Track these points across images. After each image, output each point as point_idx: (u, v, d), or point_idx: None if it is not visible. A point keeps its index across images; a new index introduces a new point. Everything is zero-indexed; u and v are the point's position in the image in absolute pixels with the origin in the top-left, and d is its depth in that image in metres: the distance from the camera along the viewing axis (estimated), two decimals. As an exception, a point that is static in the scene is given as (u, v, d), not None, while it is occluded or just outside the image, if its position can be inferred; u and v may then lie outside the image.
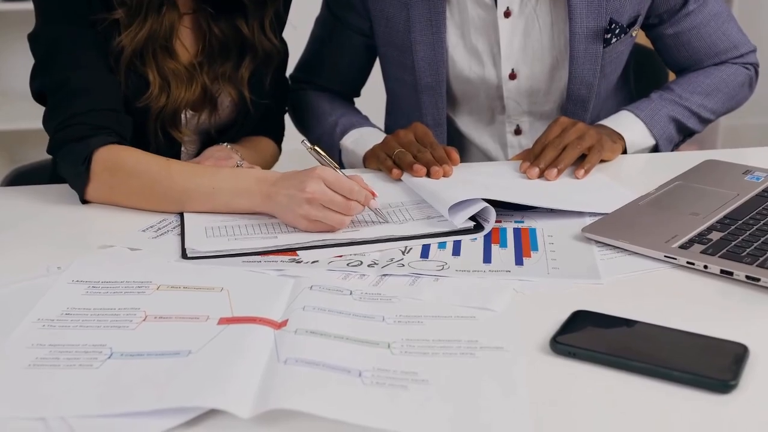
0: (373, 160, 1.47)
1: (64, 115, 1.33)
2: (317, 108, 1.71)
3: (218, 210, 1.26)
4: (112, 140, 1.32)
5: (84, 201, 1.32)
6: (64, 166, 1.34)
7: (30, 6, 1.40)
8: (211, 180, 1.27)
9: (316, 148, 1.25)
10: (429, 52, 1.58)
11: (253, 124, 1.60)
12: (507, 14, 1.55)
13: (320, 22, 1.74)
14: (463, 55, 1.59)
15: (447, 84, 1.62)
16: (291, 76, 1.78)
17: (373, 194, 1.21)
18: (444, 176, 1.35)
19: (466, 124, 1.70)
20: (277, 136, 1.71)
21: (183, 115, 1.49)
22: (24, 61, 1.47)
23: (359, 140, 1.59)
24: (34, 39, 1.40)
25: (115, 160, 1.30)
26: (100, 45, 1.37)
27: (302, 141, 1.29)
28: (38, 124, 1.40)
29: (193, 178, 1.28)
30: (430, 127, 1.53)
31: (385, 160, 1.42)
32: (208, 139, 1.59)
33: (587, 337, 0.88)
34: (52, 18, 1.38)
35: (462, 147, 1.73)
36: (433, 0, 1.54)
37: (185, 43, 1.48)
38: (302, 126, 1.77)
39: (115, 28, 1.37)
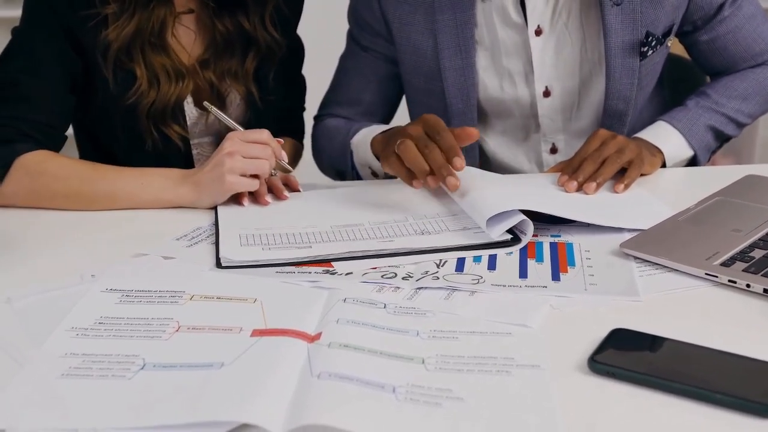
0: (380, 148, 1.40)
1: (2, 113, 1.37)
2: (333, 129, 1.65)
3: (147, 205, 1.32)
4: (38, 148, 1.35)
5: None
6: None
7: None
8: (139, 177, 1.34)
9: (214, 108, 1.38)
10: (459, 78, 1.55)
11: (271, 126, 1.60)
12: (538, 32, 1.52)
13: (345, 56, 1.70)
14: (494, 77, 1.57)
15: (478, 107, 1.59)
16: (314, 116, 1.74)
17: (280, 141, 1.35)
18: (454, 186, 1.22)
19: (499, 144, 1.67)
20: (299, 135, 1.73)
21: (186, 114, 1.51)
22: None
23: (367, 133, 1.52)
24: (12, 32, 1.43)
25: (40, 166, 1.34)
26: (66, 61, 1.40)
27: (204, 102, 1.38)
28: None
29: (120, 177, 1.34)
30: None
31: (394, 162, 1.28)
32: None
33: (626, 356, 0.86)
34: (30, 20, 1.42)
35: (496, 169, 1.70)
36: (461, 25, 1.52)
37: (186, 42, 1.50)
38: (318, 149, 1.69)
39: (104, 25, 1.40)
